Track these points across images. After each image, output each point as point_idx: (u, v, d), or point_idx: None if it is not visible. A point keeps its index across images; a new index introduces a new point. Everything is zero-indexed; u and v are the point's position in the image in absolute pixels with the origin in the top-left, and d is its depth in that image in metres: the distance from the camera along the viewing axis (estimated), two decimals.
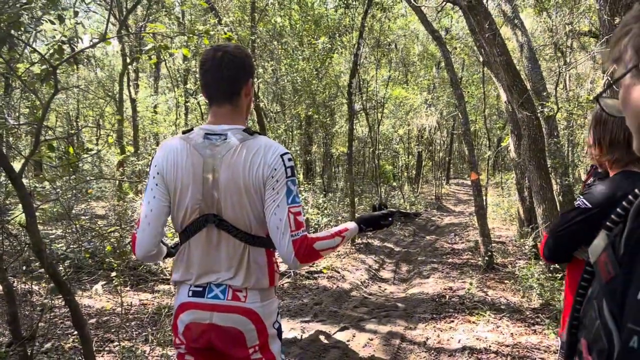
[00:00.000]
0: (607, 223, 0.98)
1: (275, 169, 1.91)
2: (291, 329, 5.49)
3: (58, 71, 3.08)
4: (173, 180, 1.95)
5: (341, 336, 5.18)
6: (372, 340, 5.18)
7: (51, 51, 3.04)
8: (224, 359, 2.01)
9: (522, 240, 8.04)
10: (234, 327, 1.93)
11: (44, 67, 3.02)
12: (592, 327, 0.92)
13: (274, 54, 15.33)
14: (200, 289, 1.97)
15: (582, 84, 18.79)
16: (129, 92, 17.36)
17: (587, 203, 2.11)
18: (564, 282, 5.46)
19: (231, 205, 1.91)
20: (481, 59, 11.20)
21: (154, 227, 2.00)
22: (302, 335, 5.24)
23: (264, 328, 1.97)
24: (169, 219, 2.04)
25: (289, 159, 1.95)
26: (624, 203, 0.96)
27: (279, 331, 2.05)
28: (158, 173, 1.99)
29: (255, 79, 12.81)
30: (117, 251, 4.16)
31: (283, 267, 6.95)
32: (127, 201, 11.43)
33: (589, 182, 4.23)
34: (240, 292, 1.94)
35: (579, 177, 12.53)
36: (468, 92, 19.33)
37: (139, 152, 16.96)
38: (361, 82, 14.37)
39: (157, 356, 4.09)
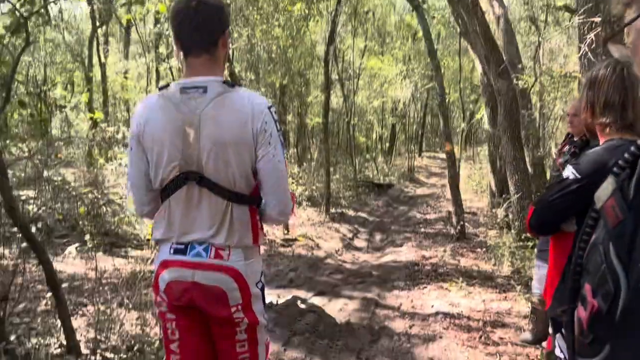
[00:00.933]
0: (614, 169, 0.97)
1: (266, 123, 1.87)
2: (267, 294, 5.49)
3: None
4: (150, 138, 1.89)
5: (317, 301, 5.21)
6: (347, 305, 5.23)
7: (21, 1, 2.90)
8: (206, 317, 1.97)
9: (493, 210, 8.17)
10: (216, 285, 1.89)
11: (12, 18, 2.88)
12: (596, 272, 0.92)
13: (249, 21, 15.03)
14: (182, 246, 1.92)
15: (555, 58, 18.97)
16: (99, 56, 16.89)
17: (576, 173, 2.03)
18: (535, 251, 5.53)
19: (214, 161, 1.85)
20: (458, 30, 11.20)
21: (138, 188, 2.01)
22: (277, 300, 5.26)
23: (247, 287, 1.92)
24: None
25: (275, 112, 1.93)
26: (632, 148, 0.95)
27: (263, 291, 2.02)
28: (134, 135, 1.94)
29: (230, 44, 12.56)
30: (91, 214, 4.07)
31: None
32: (98, 167, 11.21)
33: (564, 150, 4.29)
34: (223, 250, 1.90)
35: (549, 150, 12.73)
36: (444, 63, 19.31)
37: (108, 118, 16.61)
38: (337, 51, 14.24)
39: (132, 319, 4.05)
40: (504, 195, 9.09)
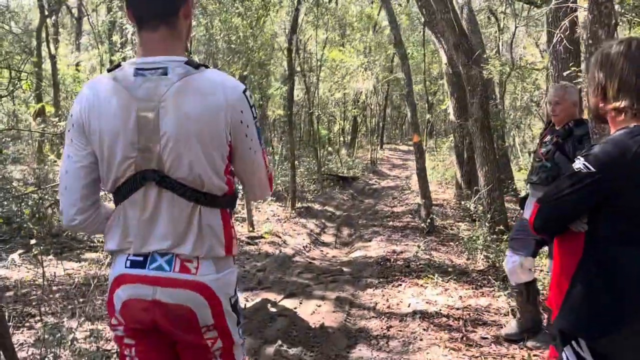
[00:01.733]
0: None
1: (242, 112, 1.60)
2: None
3: None
4: (97, 130, 1.55)
5: (288, 303, 4.91)
6: (320, 306, 4.94)
7: None
8: (171, 341, 1.69)
9: (463, 203, 8.02)
10: (182, 304, 1.58)
11: None
12: None
13: (207, 10, 14.51)
14: (141, 258, 1.61)
15: (514, 49, 19.14)
16: (48, 48, 16.07)
17: (590, 167, 1.78)
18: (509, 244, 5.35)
19: (177, 157, 1.54)
20: (422, 20, 11.02)
21: (71, 191, 1.64)
22: (246, 304, 4.94)
23: (220, 304, 1.63)
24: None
25: (250, 95, 1.65)
26: None
27: (236, 306, 1.72)
28: (75, 124, 1.60)
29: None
30: (37, 215, 3.64)
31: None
32: (49, 164, 10.59)
33: (545, 139, 4.09)
34: (190, 262, 1.61)
35: (513, 141, 12.76)
36: (408, 53, 19.21)
37: (60, 112, 15.83)
38: (299, 42, 13.91)
39: (85, 331, 3.66)
40: (474, 188, 8.98)
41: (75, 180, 1.62)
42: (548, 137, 4.00)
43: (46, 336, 3.05)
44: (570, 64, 5.34)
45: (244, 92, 1.61)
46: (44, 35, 15.14)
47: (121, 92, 1.54)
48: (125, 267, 1.61)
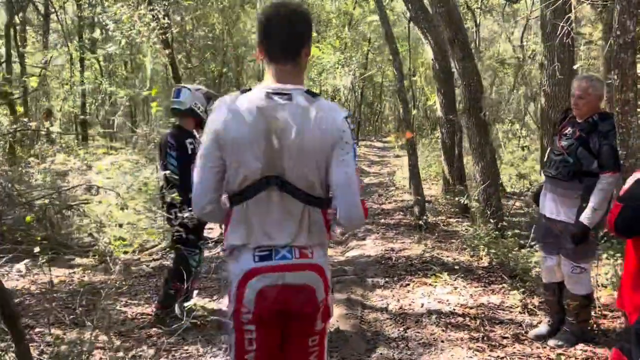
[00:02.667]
0: None
1: (344, 131, 1.95)
2: None
3: None
4: (232, 140, 1.91)
5: None
6: None
7: None
8: (285, 322, 2.00)
9: (457, 198, 7.96)
10: (305, 283, 1.98)
11: None
12: None
13: (181, 5, 14.17)
14: (267, 252, 1.96)
15: (489, 47, 19.33)
16: (17, 46, 15.49)
17: None
18: (514, 239, 5.28)
19: (297, 167, 1.92)
20: (408, 15, 10.96)
21: (204, 186, 2.02)
22: None
23: (327, 282, 2.05)
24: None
25: (350, 121, 2.01)
26: None
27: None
28: (214, 132, 1.94)
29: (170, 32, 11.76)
30: (44, 222, 3.40)
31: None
32: (22, 166, 10.17)
33: (566, 132, 3.98)
34: (306, 249, 1.99)
35: (496, 135, 12.82)
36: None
37: (30, 113, 15.30)
38: None
39: (100, 344, 3.43)
40: (464, 184, 8.95)
41: (210, 179, 2.00)
42: (569, 130, 3.88)
43: (62, 351, 2.82)
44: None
45: (346, 118, 1.99)
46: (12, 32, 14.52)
47: (253, 110, 1.90)
48: (254, 261, 1.95)
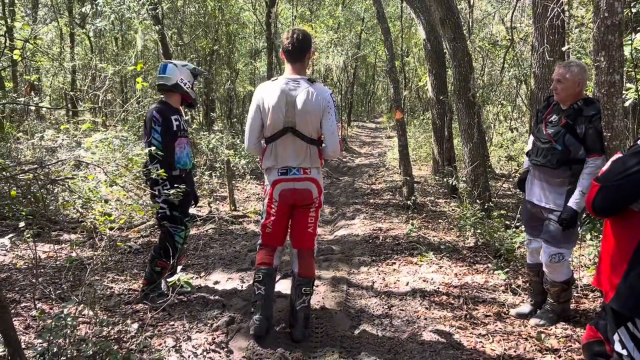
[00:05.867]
0: None
1: (329, 102, 3.54)
2: (229, 279, 5.01)
3: None
4: (266, 107, 3.51)
5: (285, 284, 4.77)
6: (317, 287, 4.82)
7: None
8: (294, 206, 3.75)
9: (445, 179, 8.00)
10: (306, 188, 3.66)
11: None
12: None
13: None
14: (285, 170, 3.62)
15: (482, 28, 19.22)
16: (5, 20, 15.22)
17: None
18: (500, 219, 5.31)
19: (302, 121, 3.50)
20: None
21: (254, 134, 3.63)
22: (242, 286, 4.79)
23: (320, 187, 3.72)
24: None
25: (333, 95, 3.62)
26: None
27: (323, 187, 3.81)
28: (256, 103, 3.58)
29: (161, 8, 11.61)
30: (29, 197, 3.37)
31: None
32: (11, 142, 10.08)
33: (550, 119, 3.94)
34: (307, 169, 3.63)
35: (486, 117, 12.82)
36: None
37: (18, 88, 15.09)
38: (276, 16, 13.56)
39: (85, 318, 3.45)
40: (453, 164, 8.98)
41: (255, 129, 3.62)
42: (554, 117, 3.82)
43: (48, 324, 2.83)
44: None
45: (330, 94, 3.58)
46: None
47: (278, 89, 3.50)
48: (278, 175, 3.63)
